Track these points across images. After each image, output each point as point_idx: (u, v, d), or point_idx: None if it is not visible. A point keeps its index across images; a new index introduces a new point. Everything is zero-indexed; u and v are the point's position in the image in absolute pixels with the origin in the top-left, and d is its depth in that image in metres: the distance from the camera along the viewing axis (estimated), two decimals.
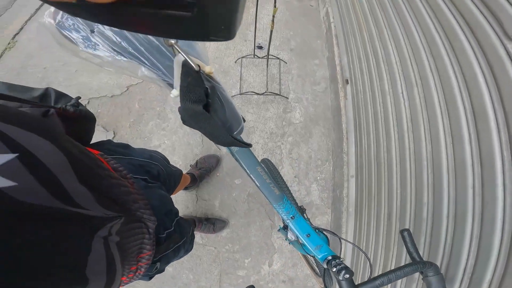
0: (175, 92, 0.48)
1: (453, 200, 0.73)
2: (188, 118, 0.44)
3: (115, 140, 1.23)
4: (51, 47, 2.21)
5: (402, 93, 0.87)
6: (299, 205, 0.95)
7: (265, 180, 0.69)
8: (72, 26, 0.54)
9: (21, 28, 2.39)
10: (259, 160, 0.71)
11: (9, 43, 2.23)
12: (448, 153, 0.72)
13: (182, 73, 0.44)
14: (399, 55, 0.98)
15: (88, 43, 0.54)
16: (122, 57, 0.53)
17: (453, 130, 0.69)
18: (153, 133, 1.81)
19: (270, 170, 1.02)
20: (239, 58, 1.93)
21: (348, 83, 1.38)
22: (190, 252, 0.96)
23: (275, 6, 1.11)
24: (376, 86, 1.05)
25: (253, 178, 0.68)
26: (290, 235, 0.77)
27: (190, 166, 1.64)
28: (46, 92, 0.56)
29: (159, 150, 1.74)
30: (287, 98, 1.81)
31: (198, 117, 0.44)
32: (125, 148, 0.80)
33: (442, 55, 0.74)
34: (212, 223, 1.53)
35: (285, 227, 1.06)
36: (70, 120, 0.55)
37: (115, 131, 1.85)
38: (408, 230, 0.63)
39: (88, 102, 1.95)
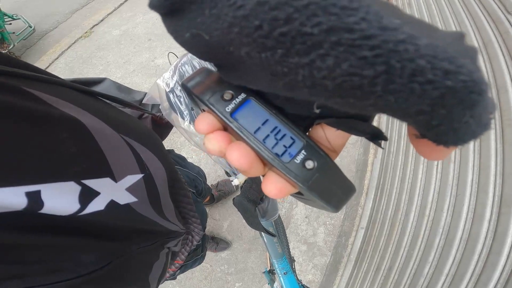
0: (236, 181, 0.55)
1: (457, 261, 0.84)
2: (238, 206, 0.52)
3: None
4: (119, 43, 2.45)
5: (437, 165, 0.98)
6: (291, 254, 1.04)
7: (272, 239, 0.80)
8: (181, 97, 0.61)
9: (102, 20, 2.64)
10: None
11: (86, 32, 2.48)
12: (466, 227, 0.83)
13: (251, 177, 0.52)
14: None
15: (190, 119, 0.61)
16: None
17: (477, 209, 0.80)
18: (184, 146, 1.91)
19: (277, 224, 1.12)
20: None
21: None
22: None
23: None
24: (412, 153, 1.15)
25: (263, 235, 0.79)
26: (276, 285, 0.91)
27: (211, 185, 1.71)
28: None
29: None
30: None
31: (246, 211, 0.51)
32: (183, 160, 0.87)
33: (490, 140, 0.82)
34: (216, 243, 1.59)
35: (270, 272, 1.14)
36: (158, 126, 0.60)
37: None
38: None
39: None
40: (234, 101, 0.17)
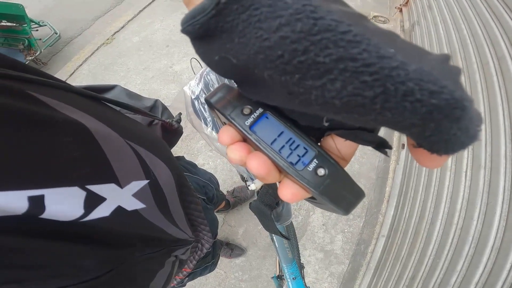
0: (253, 186, 0.57)
1: (488, 270, 0.81)
2: (255, 210, 0.55)
3: None
4: (139, 49, 2.51)
5: (466, 172, 0.95)
6: (301, 261, 1.05)
7: (283, 244, 0.82)
8: (205, 104, 0.61)
9: (122, 27, 2.71)
10: None
11: (107, 39, 2.55)
12: (498, 235, 0.80)
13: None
14: None
15: (213, 125, 0.63)
16: None
17: (510, 217, 0.77)
18: (200, 152, 1.91)
19: (288, 228, 1.12)
20: None
21: (403, 148, 1.46)
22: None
23: None
24: None
25: (274, 239, 0.81)
26: None
27: (227, 191, 1.71)
28: (155, 104, 0.62)
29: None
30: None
31: (262, 215, 0.54)
32: (193, 167, 0.87)
33: None
34: (231, 249, 1.58)
35: (279, 277, 1.16)
36: (168, 132, 0.59)
37: None
38: None
39: None
40: (252, 115, 0.19)
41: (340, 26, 0.12)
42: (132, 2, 3.07)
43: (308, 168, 0.18)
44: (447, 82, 0.11)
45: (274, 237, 0.81)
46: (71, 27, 2.91)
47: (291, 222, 1.21)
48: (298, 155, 0.18)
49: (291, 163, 0.18)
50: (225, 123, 0.21)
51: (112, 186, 0.30)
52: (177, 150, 1.90)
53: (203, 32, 0.15)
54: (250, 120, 0.19)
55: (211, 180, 0.93)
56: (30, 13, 2.41)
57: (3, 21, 2.34)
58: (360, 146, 0.19)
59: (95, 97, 0.37)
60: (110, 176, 0.30)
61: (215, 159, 1.88)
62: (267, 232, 1.72)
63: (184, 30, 0.15)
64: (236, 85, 0.20)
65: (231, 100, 0.19)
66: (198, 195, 0.58)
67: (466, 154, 0.96)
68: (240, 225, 1.70)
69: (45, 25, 2.53)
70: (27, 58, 2.34)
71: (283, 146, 0.18)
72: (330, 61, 0.12)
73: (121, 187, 0.31)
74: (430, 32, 1.52)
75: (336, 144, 0.19)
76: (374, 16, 2.28)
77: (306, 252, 1.57)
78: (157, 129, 0.57)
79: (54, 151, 0.24)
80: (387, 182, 1.48)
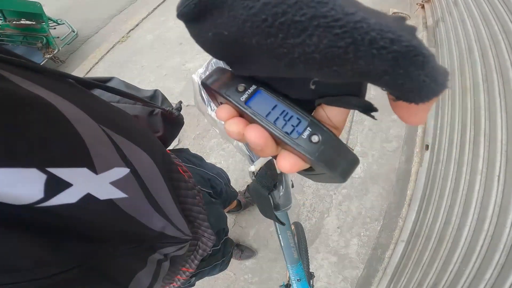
0: (252, 168, 0.57)
1: None
2: (253, 192, 0.56)
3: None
4: (153, 47, 2.53)
5: (499, 176, 0.88)
6: (310, 270, 1.06)
7: (289, 243, 0.82)
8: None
9: (137, 25, 2.75)
10: (293, 222, 0.81)
11: (123, 37, 2.59)
12: None
13: (266, 164, 0.57)
14: (509, 132, 0.93)
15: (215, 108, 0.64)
16: None
17: None
18: (213, 151, 1.91)
19: (298, 233, 1.12)
20: None
21: (427, 149, 1.40)
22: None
23: None
24: (466, 161, 1.06)
25: (280, 237, 0.80)
26: None
27: (238, 191, 1.66)
28: (155, 94, 0.62)
29: None
30: (353, 149, 1.78)
31: (260, 196, 0.55)
32: (199, 160, 0.86)
33: None
34: (241, 250, 1.55)
35: (287, 286, 1.13)
36: (168, 122, 0.59)
37: (180, 139, 1.99)
38: None
39: None
40: (246, 92, 0.20)
41: None
42: (146, 0, 3.10)
43: (302, 136, 0.19)
44: (403, 33, 0.13)
45: (279, 236, 0.80)
46: (88, 25, 2.97)
47: (301, 225, 1.18)
48: (292, 125, 0.19)
49: (286, 132, 0.19)
50: (221, 103, 0.23)
51: (84, 171, 0.27)
52: (188, 147, 1.89)
53: (198, 12, 0.17)
54: (245, 96, 0.20)
55: (220, 175, 0.91)
56: (48, 11, 2.46)
57: (22, 19, 2.39)
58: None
59: (78, 81, 0.35)
60: (82, 160, 0.27)
61: (227, 158, 1.86)
62: None
63: (180, 13, 0.17)
64: (229, 68, 0.22)
65: (226, 80, 0.21)
66: (201, 188, 0.57)
67: (499, 157, 0.90)
68: (251, 227, 1.67)
69: (63, 24, 2.58)
70: (45, 56, 2.39)
71: (277, 118, 0.20)
72: (305, 19, 0.13)
73: (96, 173, 0.28)
74: (457, 29, 1.44)
75: (327, 113, 0.20)
76: (394, 13, 2.21)
77: (319, 256, 1.53)
78: (157, 119, 0.57)
79: (11, 128, 0.21)
80: (408, 185, 1.41)
